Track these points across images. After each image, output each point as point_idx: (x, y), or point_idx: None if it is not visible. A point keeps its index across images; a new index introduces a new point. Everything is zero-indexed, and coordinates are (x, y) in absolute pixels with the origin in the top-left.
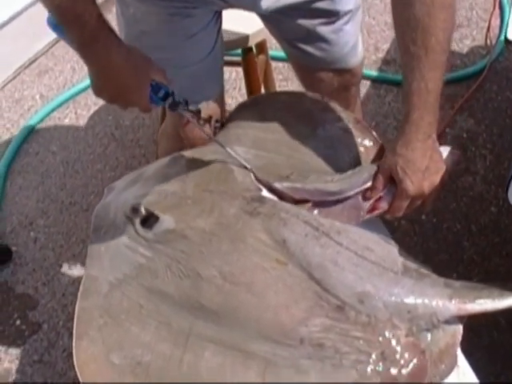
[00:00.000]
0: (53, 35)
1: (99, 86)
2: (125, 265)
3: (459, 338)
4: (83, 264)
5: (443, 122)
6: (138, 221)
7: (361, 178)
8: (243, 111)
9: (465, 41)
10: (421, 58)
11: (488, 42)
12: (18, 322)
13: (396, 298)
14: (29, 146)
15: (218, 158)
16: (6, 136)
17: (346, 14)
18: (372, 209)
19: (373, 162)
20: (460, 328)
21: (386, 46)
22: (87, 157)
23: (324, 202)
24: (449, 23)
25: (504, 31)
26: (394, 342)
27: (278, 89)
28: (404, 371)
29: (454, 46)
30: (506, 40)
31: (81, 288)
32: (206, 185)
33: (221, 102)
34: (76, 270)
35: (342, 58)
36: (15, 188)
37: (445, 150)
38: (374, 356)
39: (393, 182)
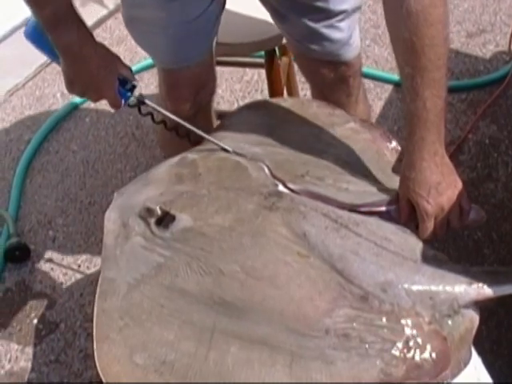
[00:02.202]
0: None
1: (71, 78)
2: (143, 265)
3: (477, 322)
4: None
5: (466, 128)
6: (153, 221)
7: (371, 200)
8: (248, 110)
9: (488, 46)
10: (414, 78)
11: None
12: (35, 321)
13: (418, 286)
14: (49, 144)
15: (229, 155)
16: (27, 134)
17: (340, 13)
18: None
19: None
20: (477, 313)
21: None
22: (107, 156)
23: None
24: (438, 39)
25: None
26: (417, 330)
27: (300, 91)
28: (428, 359)
29: (477, 52)
30: None
31: (98, 290)
32: (221, 183)
33: (209, 65)
34: (94, 271)
35: (336, 51)
36: (35, 186)
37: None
38: (398, 344)
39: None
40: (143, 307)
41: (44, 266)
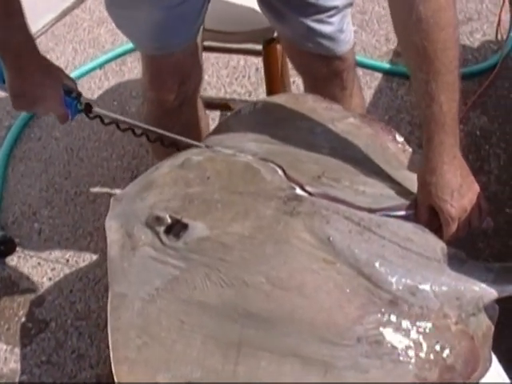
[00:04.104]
0: (52, 14)
1: (16, 92)
2: (156, 278)
3: (495, 319)
4: (91, 259)
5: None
6: (162, 230)
7: (389, 205)
8: (246, 111)
9: (475, 35)
10: (429, 83)
11: (499, 36)
12: (23, 320)
13: (445, 287)
14: (30, 130)
15: (238, 156)
16: (7, 120)
17: (331, 8)
18: None
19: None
20: (497, 308)
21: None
22: (92, 144)
23: None
24: (450, 42)
25: None
26: (446, 332)
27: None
28: (459, 359)
29: (465, 40)
30: None
31: (109, 308)
32: (234, 187)
33: (195, 53)
34: (84, 265)
35: (327, 46)
36: (17, 175)
37: None
38: (429, 348)
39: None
40: (161, 324)
41: (30, 260)
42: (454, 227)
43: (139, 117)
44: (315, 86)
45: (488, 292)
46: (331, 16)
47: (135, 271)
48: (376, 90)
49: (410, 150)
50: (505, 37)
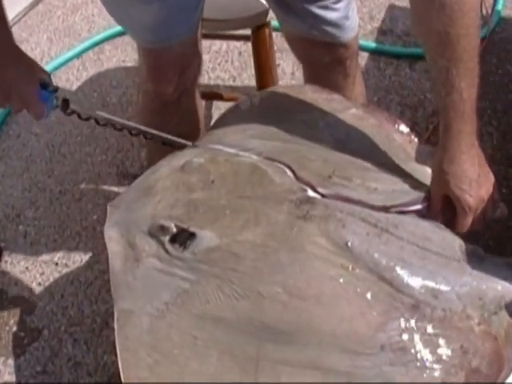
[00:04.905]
0: (24, 2)
1: None
2: (164, 292)
3: None
4: (81, 261)
5: None
6: (166, 240)
7: (404, 200)
8: (244, 105)
9: None
10: (450, 70)
11: (483, 11)
12: (14, 329)
13: (467, 287)
14: (9, 127)
15: (242, 156)
16: None
17: None
18: None
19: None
20: None
21: (381, 15)
22: (74, 139)
23: None
24: (473, 28)
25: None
26: (469, 334)
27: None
28: (484, 361)
29: None
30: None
31: (116, 325)
32: (241, 191)
33: (195, 44)
34: (74, 268)
35: (332, 33)
36: None
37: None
38: (454, 352)
39: (448, 201)
40: (173, 340)
41: (18, 265)
42: (470, 218)
43: (122, 107)
44: (317, 74)
45: (510, 289)
46: (337, 2)
47: (141, 285)
48: (363, 71)
49: (416, 140)
50: (489, 11)
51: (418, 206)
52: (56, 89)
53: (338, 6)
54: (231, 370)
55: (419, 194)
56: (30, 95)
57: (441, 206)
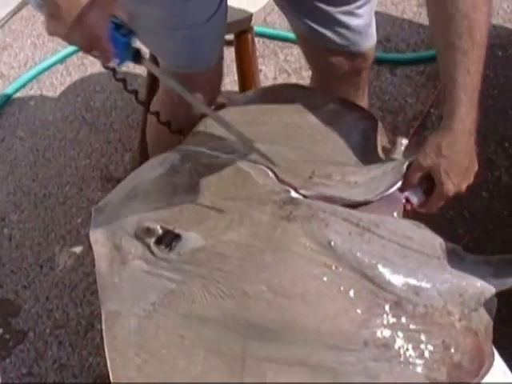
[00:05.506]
0: (8, 8)
1: (54, 10)
2: (151, 293)
3: (494, 312)
4: (65, 263)
5: (427, 102)
6: (152, 241)
7: (385, 183)
8: (223, 111)
9: None
10: (467, 53)
11: None
12: (0, 331)
13: (447, 284)
14: None
15: (224, 159)
16: None
17: None
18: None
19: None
20: (495, 301)
21: None
22: (58, 143)
23: None
24: (490, 17)
25: None
26: (451, 329)
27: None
28: (465, 356)
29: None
30: None
31: (103, 327)
32: (225, 192)
33: (219, 70)
34: (59, 270)
35: (354, 40)
36: None
37: None
38: (436, 347)
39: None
40: (160, 340)
41: (3, 268)
42: (441, 203)
43: (105, 112)
44: (329, 84)
45: (490, 286)
46: (360, 7)
47: (127, 286)
48: None
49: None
50: None
51: (395, 187)
52: (131, 32)
53: (361, 11)
54: (218, 368)
55: (396, 176)
56: (99, 28)
57: (417, 180)
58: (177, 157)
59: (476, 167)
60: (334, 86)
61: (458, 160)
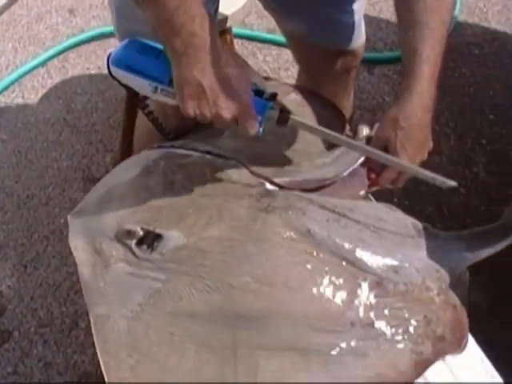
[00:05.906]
0: None
1: (192, 84)
2: (136, 294)
3: (467, 284)
4: (49, 263)
5: None
6: (133, 243)
7: (350, 159)
8: None
9: None
10: (434, 30)
11: None
12: None
13: (424, 261)
14: None
15: (196, 156)
16: None
17: None
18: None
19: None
20: (467, 274)
21: None
22: (40, 145)
23: None
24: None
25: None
26: (431, 304)
27: None
28: (447, 329)
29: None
30: None
31: (94, 331)
32: (201, 189)
33: None
34: (42, 270)
35: (346, 38)
36: None
37: None
38: (419, 322)
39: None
40: (151, 339)
41: None
42: (394, 175)
43: (86, 114)
44: (319, 83)
45: (463, 260)
46: (352, 2)
47: (112, 289)
48: None
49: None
50: None
51: (359, 161)
52: (274, 95)
53: (354, 7)
54: (210, 361)
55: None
56: (244, 100)
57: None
58: (149, 158)
59: (431, 145)
60: (323, 85)
61: (413, 133)
